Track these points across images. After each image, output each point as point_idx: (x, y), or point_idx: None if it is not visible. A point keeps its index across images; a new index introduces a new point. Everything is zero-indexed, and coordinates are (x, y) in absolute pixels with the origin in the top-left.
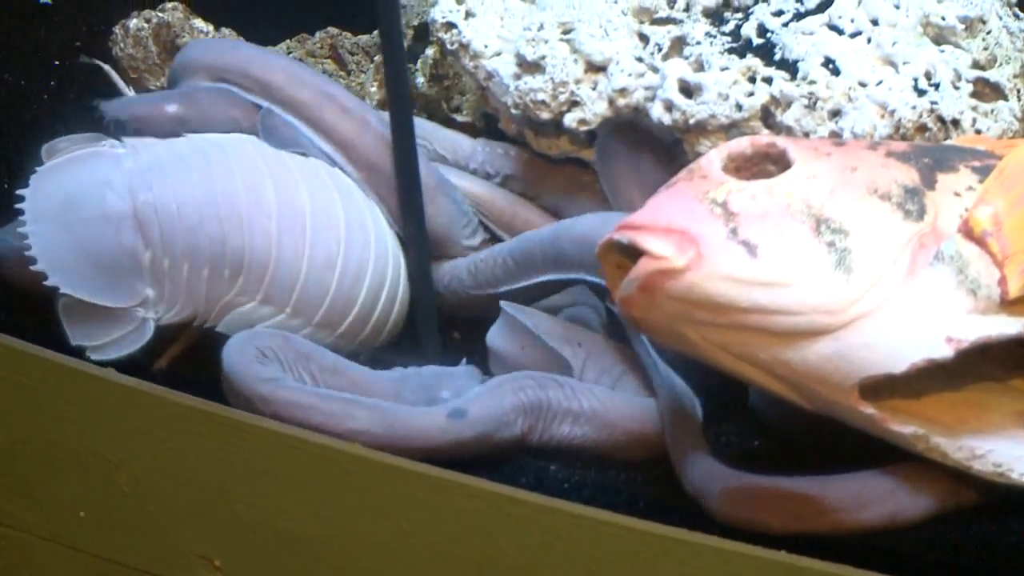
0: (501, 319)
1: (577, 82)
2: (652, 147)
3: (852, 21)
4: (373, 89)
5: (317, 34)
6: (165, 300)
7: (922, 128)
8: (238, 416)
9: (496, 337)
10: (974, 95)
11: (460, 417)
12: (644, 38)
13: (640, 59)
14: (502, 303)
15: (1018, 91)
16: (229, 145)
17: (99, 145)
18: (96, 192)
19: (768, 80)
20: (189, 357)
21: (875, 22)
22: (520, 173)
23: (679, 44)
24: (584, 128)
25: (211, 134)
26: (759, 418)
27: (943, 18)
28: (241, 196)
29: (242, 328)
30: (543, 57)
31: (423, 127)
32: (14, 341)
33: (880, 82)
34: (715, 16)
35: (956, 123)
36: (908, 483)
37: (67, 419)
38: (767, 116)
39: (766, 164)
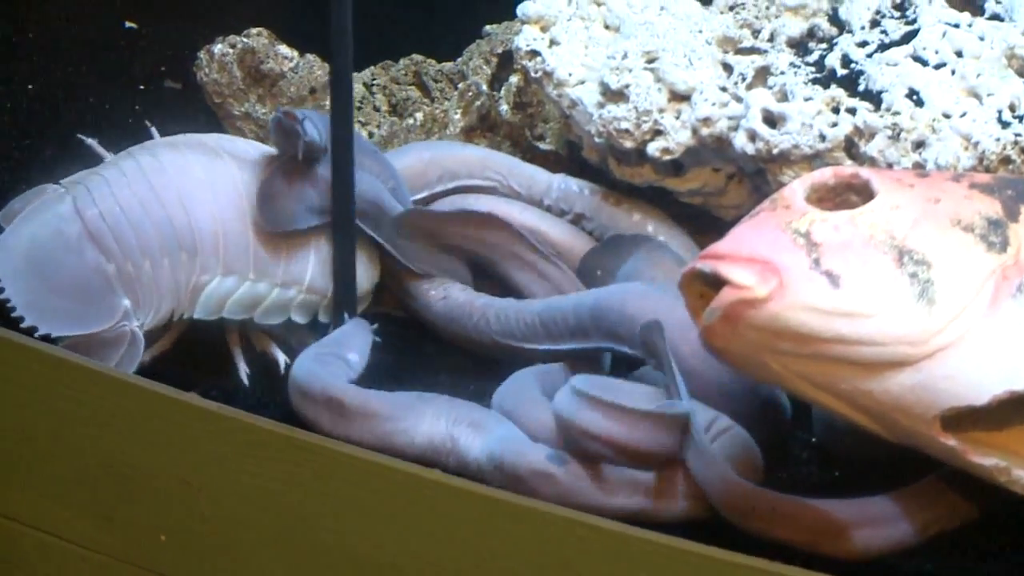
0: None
1: (661, 111)
2: None
3: (936, 52)
4: (456, 116)
5: (401, 61)
6: (142, 304)
7: (1006, 160)
8: (319, 441)
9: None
10: None
11: None
12: (728, 68)
13: (724, 89)
14: (577, 384)
15: None
16: (151, 143)
17: (45, 194)
18: (50, 228)
19: (852, 111)
20: (176, 352)
21: (959, 54)
22: (591, 212)
23: (763, 74)
24: (667, 157)
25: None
26: (826, 449)
27: None
28: (173, 177)
29: (218, 308)
30: (627, 86)
31: (500, 161)
32: (97, 365)
33: (964, 114)
34: (799, 46)
35: None
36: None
37: (148, 443)
38: (850, 147)
39: (849, 195)
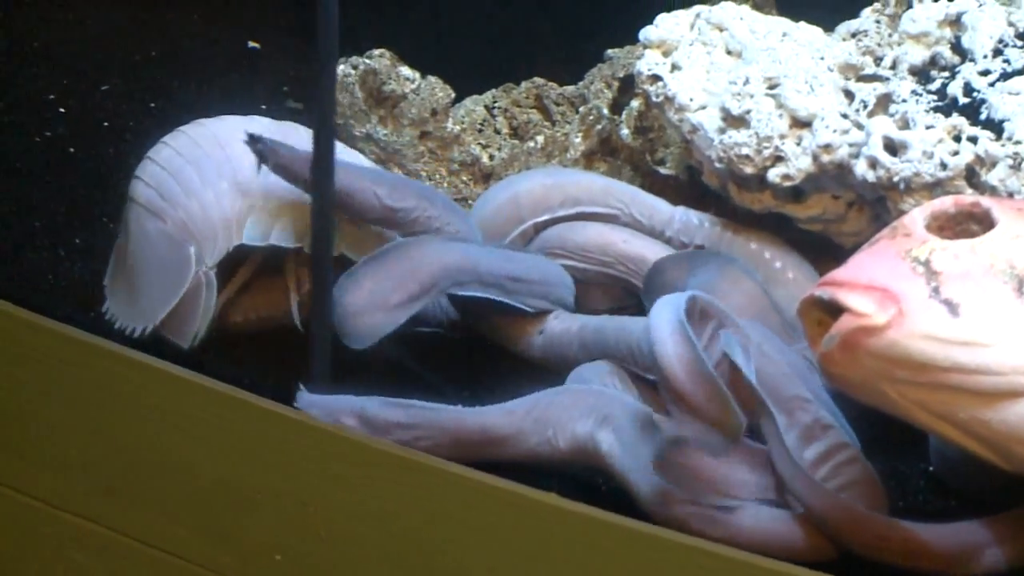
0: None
1: (782, 137)
2: None
3: None
4: (577, 140)
5: (523, 84)
6: (202, 245)
7: None
8: (435, 463)
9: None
10: None
11: None
12: (850, 95)
13: (845, 116)
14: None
15: None
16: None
17: None
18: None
19: (973, 139)
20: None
21: None
22: (711, 245)
23: (885, 101)
24: (788, 183)
25: None
26: (942, 479)
27: None
28: (210, 126)
29: (264, 234)
30: (748, 111)
31: (622, 190)
32: (219, 384)
33: None
34: (921, 74)
35: None
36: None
37: (265, 462)
38: (971, 175)
39: (969, 224)
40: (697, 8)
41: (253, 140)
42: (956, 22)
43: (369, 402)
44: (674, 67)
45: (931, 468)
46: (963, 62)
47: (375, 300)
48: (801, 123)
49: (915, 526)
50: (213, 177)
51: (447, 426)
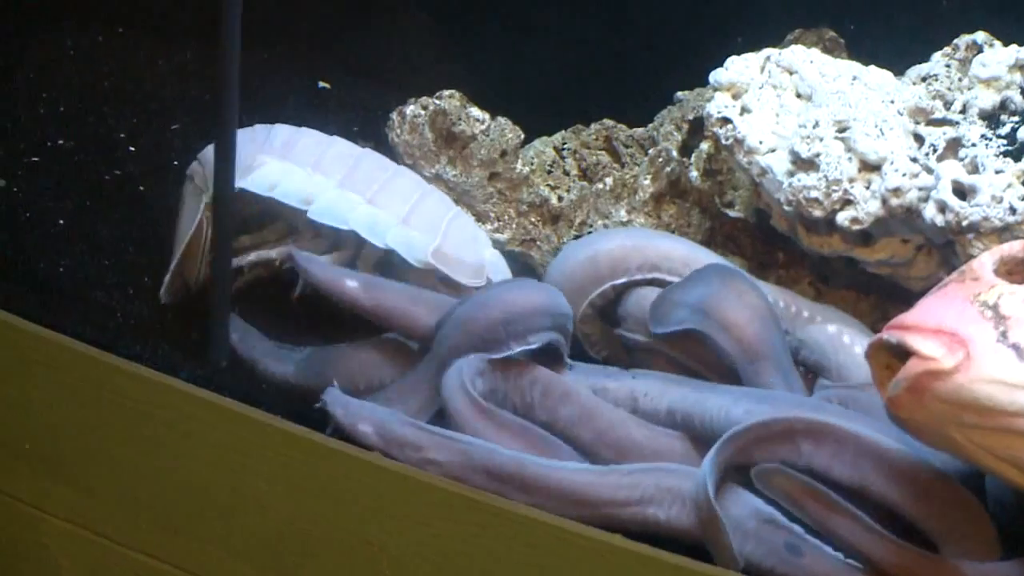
0: None
1: (851, 181)
2: None
3: None
4: (646, 182)
5: (592, 125)
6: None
7: None
8: (502, 504)
9: None
10: None
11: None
12: (919, 139)
13: (915, 159)
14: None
15: None
16: None
17: None
18: None
19: None
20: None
21: None
22: (785, 325)
23: (954, 146)
24: (857, 227)
25: None
26: (999, 522)
27: None
28: (276, 127)
29: (269, 186)
30: (818, 155)
31: (702, 260)
32: (287, 424)
33: None
34: (991, 119)
35: None
36: None
37: (331, 501)
38: None
39: None
40: (767, 51)
41: (288, 258)
42: None
43: (390, 416)
44: (744, 110)
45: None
46: None
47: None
48: (870, 167)
49: (969, 565)
50: (251, 150)
51: (475, 456)
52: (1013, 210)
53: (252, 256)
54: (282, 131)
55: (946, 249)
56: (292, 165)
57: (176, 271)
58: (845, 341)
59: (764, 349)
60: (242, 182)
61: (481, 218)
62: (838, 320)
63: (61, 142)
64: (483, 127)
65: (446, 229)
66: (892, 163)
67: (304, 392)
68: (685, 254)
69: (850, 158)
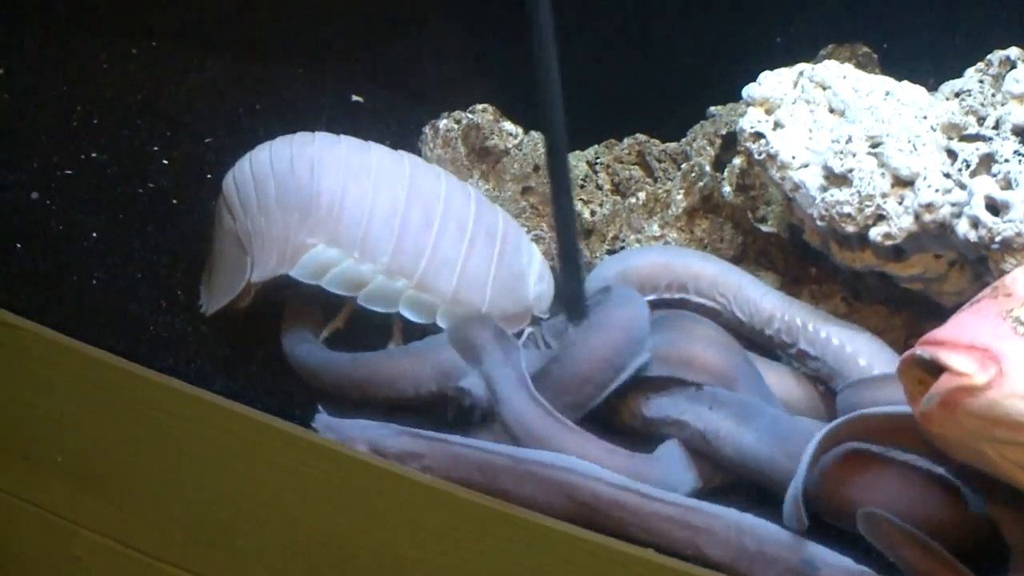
0: None
1: (884, 196)
2: None
3: None
4: (679, 196)
5: (625, 140)
6: (255, 258)
7: None
8: (535, 518)
9: None
10: None
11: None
12: (952, 154)
13: (948, 175)
14: None
15: None
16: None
17: None
18: None
19: None
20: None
21: None
22: (816, 351)
23: (987, 161)
24: (889, 242)
25: None
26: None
27: None
28: (313, 146)
29: (316, 274)
30: (851, 170)
31: (729, 283)
32: (314, 436)
33: None
34: None
35: None
36: None
37: (364, 514)
38: None
39: None
40: (800, 66)
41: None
42: None
43: (382, 430)
44: (777, 125)
45: None
46: None
47: None
48: (903, 182)
49: None
50: (290, 201)
51: (471, 457)
52: None
53: (325, 332)
54: (328, 186)
55: (979, 265)
56: (337, 252)
57: (222, 292)
58: (848, 351)
59: (731, 371)
60: (290, 270)
61: None
62: (840, 328)
63: (94, 155)
64: (516, 141)
65: (492, 285)
66: (925, 179)
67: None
68: (714, 274)
69: (883, 173)
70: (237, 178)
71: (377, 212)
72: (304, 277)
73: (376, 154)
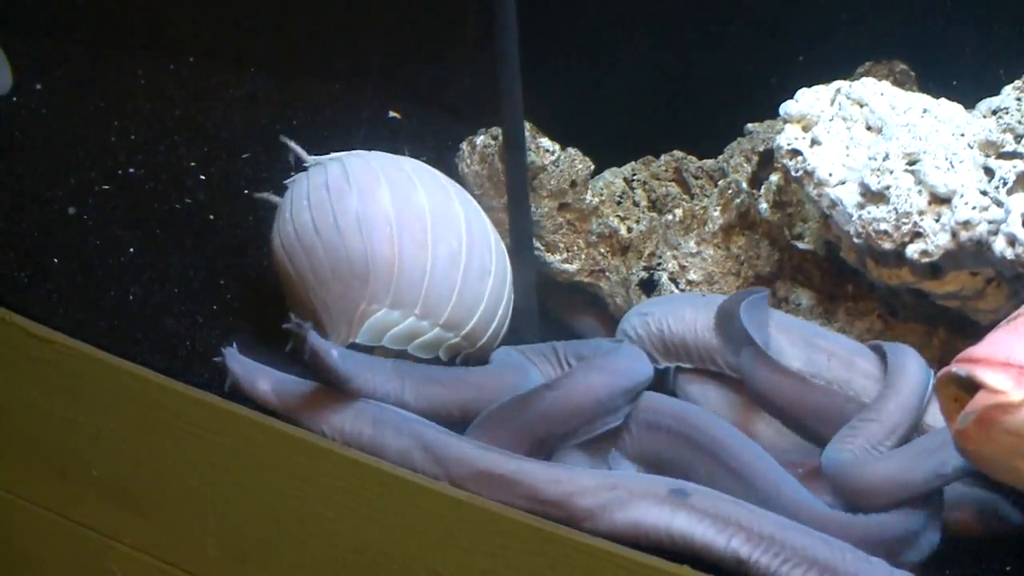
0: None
1: (920, 213)
2: None
3: None
4: (715, 213)
5: (662, 157)
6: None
7: None
8: (567, 534)
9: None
10: None
11: None
12: (989, 172)
13: (984, 192)
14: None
15: None
16: (343, 157)
17: None
18: None
19: None
20: None
21: None
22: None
23: None
24: (926, 260)
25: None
26: None
27: None
28: (356, 201)
29: (378, 337)
30: (887, 187)
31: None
32: (350, 451)
33: None
34: None
35: None
36: None
37: (399, 530)
38: None
39: None
40: (838, 83)
41: (295, 325)
42: None
43: (288, 377)
44: (814, 142)
45: None
46: None
47: None
48: (940, 200)
49: None
50: (345, 271)
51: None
52: None
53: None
54: (381, 250)
55: (1015, 282)
56: (399, 313)
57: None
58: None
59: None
60: (355, 337)
61: (550, 248)
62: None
63: (132, 170)
64: (553, 158)
65: (498, 319)
66: (962, 196)
67: None
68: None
69: (920, 191)
70: (285, 245)
71: (437, 267)
72: (368, 341)
73: (423, 192)
